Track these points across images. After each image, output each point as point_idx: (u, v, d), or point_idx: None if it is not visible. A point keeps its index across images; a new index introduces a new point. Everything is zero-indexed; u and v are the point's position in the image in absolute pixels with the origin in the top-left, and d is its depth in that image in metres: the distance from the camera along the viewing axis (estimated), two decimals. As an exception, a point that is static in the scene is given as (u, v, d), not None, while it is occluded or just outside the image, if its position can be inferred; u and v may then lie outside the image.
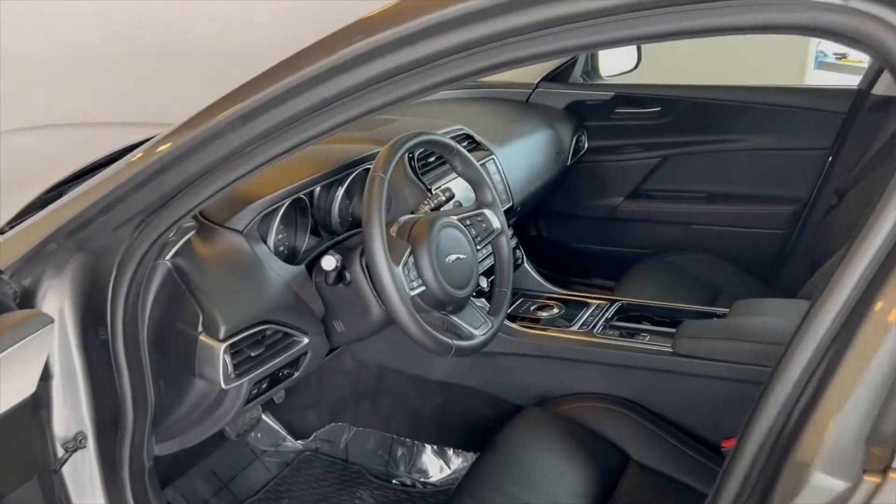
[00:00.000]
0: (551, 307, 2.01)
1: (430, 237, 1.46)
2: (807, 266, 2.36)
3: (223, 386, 1.31)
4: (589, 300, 2.04)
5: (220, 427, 1.47)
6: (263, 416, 2.14)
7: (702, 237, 2.60)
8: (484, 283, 1.93)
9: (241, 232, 1.43)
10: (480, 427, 1.98)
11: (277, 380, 1.51)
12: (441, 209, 1.71)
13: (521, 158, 2.25)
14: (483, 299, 1.91)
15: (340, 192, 1.65)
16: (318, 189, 1.64)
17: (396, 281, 1.35)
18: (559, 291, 2.13)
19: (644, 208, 2.67)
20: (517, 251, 2.12)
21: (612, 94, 2.64)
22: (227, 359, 1.31)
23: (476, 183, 1.66)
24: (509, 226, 2.16)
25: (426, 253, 1.45)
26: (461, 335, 1.52)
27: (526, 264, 2.16)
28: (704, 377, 1.71)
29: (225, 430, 1.80)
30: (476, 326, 1.55)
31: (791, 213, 2.49)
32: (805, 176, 2.46)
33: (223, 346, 1.30)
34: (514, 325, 1.90)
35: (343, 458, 2.10)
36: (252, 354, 1.37)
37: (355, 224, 1.71)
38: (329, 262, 1.41)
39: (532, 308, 2.02)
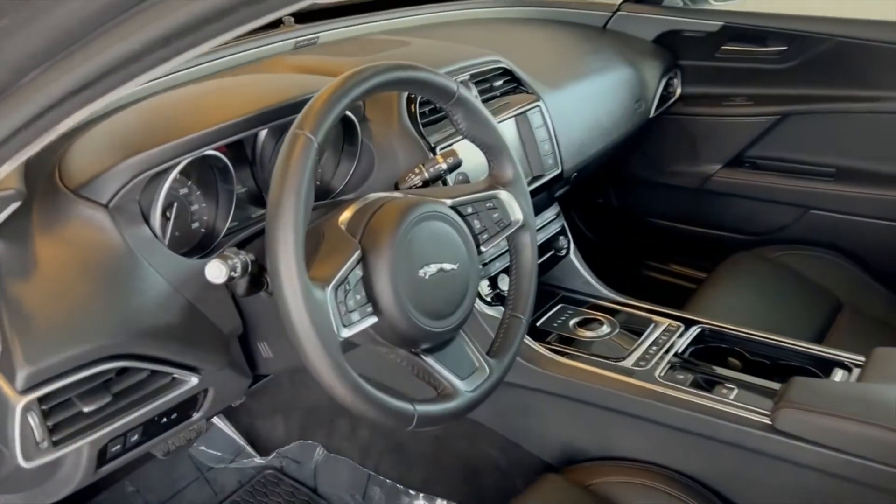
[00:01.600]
0: (600, 322, 1.44)
1: (396, 236, 0.91)
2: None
3: (21, 463, 0.82)
4: (655, 316, 1.45)
5: (70, 493, 0.99)
6: (216, 421, 1.67)
7: (822, 227, 1.93)
8: (506, 284, 1.38)
9: (104, 205, 0.92)
10: (484, 477, 1.45)
11: (159, 428, 1.01)
12: (435, 184, 1.15)
13: (582, 106, 1.64)
14: (501, 307, 1.35)
15: None
16: (262, 136, 1.11)
17: (314, 313, 0.81)
18: (613, 298, 1.53)
19: (748, 181, 2.01)
20: (560, 238, 1.53)
21: (721, 23, 1.96)
22: (34, 419, 0.82)
23: (490, 148, 1.09)
24: (555, 199, 1.58)
25: (385, 262, 0.90)
26: (437, 388, 0.98)
27: (573, 256, 1.57)
28: (814, 470, 1.12)
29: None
30: (464, 376, 1.00)
31: (956, 206, 1.80)
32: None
33: (23, 400, 0.80)
34: (540, 349, 1.33)
35: (311, 485, 1.62)
36: (86, 410, 0.87)
37: (318, 190, 1.18)
38: (216, 271, 0.87)
39: (572, 322, 1.44)
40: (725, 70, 2.00)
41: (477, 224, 1.06)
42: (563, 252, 1.53)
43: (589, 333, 1.40)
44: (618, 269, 2.23)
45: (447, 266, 0.97)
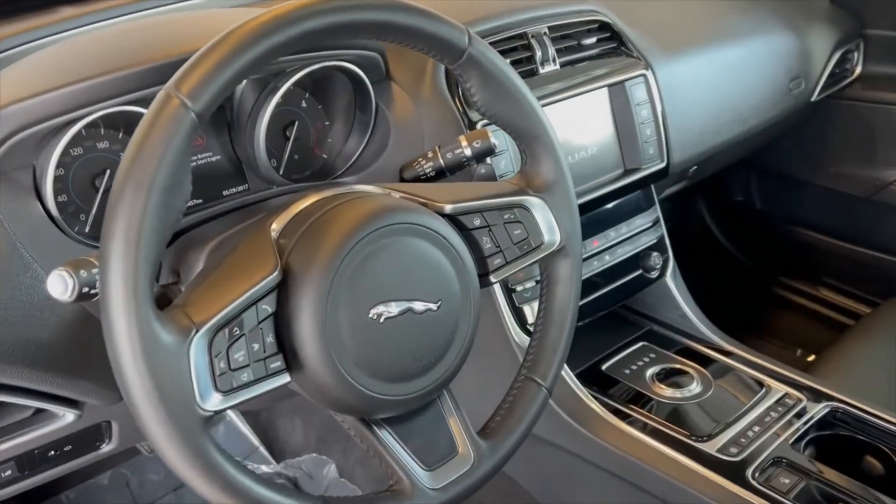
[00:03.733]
0: (689, 377, 1.06)
1: (337, 255, 0.60)
2: None
3: None
4: (768, 379, 1.06)
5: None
6: (231, 414, 1.46)
7: None
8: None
9: (-25, 169, 0.69)
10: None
11: (47, 461, 0.78)
12: (455, 175, 0.82)
13: (709, 81, 1.24)
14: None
15: (276, 98, 0.82)
16: (240, 88, 0.83)
17: (158, 372, 0.53)
18: (715, 342, 1.15)
19: (939, 196, 1.52)
20: (653, 255, 1.15)
21: (932, -18, 1.47)
22: None
23: (520, 134, 0.75)
24: (654, 201, 1.21)
25: (312, 292, 0.59)
26: (390, 477, 0.68)
27: (669, 278, 1.19)
28: None
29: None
30: (432, 464, 0.69)
31: None
32: None
33: None
34: (595, 406, 0.99)
35: None
36: None
37: (321, 169, 0.90)
38: (58, 285, 0.59)
39: (650, 371, 1.08)
40: (929, 45, 1.50)
41: (487, 243, 0.73)
42: (655, 274, 1.16)
43: (669, 392, 1.04)
44: (747, 283, 1.81)
45: (419, 305, 0.65)
